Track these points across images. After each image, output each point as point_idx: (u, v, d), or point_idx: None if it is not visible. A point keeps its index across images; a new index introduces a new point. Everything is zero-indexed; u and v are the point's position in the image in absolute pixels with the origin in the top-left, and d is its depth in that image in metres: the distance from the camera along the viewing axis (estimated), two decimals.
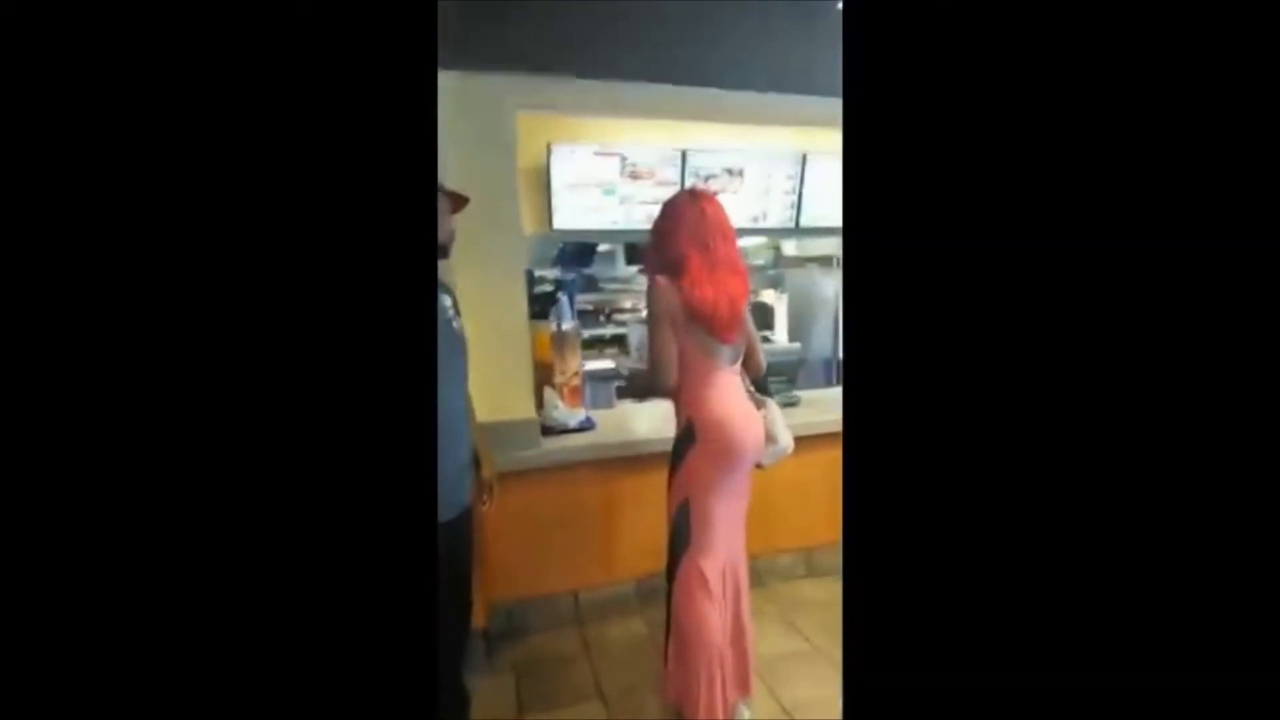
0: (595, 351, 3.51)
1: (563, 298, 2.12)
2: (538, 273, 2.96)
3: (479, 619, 1.75)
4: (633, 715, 1.65)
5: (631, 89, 1.94)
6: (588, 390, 2.78)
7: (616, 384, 3.14)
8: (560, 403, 2.05)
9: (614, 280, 3.85)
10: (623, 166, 2.58)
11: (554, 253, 3.54)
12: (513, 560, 1.92)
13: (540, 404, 2.02)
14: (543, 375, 2.03)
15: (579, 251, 3.57)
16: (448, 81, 1.72)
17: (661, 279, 1.40)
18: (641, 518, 2.03)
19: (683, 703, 1.46)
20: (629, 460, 1.99)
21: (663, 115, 2.36)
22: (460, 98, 1.74)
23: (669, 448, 1.51)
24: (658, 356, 1.40)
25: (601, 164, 2.55)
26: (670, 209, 1.47)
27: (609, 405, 3.04)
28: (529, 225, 2.57)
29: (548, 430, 2.00)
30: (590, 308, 3.71)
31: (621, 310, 3.85)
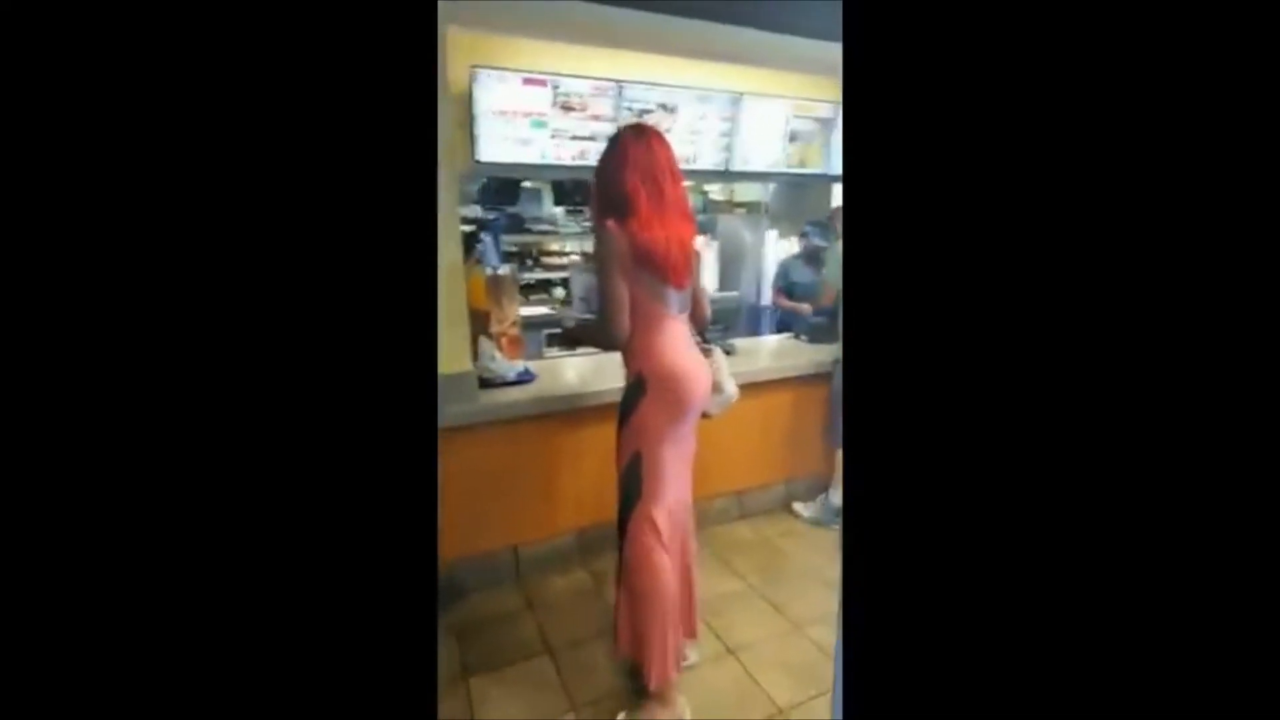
0: (522, 298, 3.35)
1: (486, 238, 1.97)
2: (460, 212, 2.73)
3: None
4: (582, 667, 1.66)
5: (567, 8, 1.76)
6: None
7: (547, 332, 3.02)
8: (498, 354, 1.92)
9: (540, 220, 3.66)
10: (554, 97, 2.38)
11: (475, 188, 3.29)
12: (448, 519, 1.83)
13: (475, 355, 1.88)
14: (478, 324, 1.88)
15: (503, 188, 3.34)
16: None
17: (611, 223, 1.31)
18: (582, 470, 1.99)
19: (637, 652, 1.47)
20: (569, 413, 1.92)
21: (599, 41, 2.18)
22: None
23: (609, 399, 1.46)
24: (610, 305, 1.32)
25: (531, 93, 2.34)
26: (616, 145, 1.37)
27: (539, 355, 2.93)
28: (451, 158, 2.35)
29: (485, 383, 1.88)
30: (516, 250, 3.51)
31: (549, 253, 3.68)
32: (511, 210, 3.45)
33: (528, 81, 2.31)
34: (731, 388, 1.51)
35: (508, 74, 2.27)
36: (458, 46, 2.15)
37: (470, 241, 1.90)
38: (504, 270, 1.88)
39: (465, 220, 2.52)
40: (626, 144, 1.35)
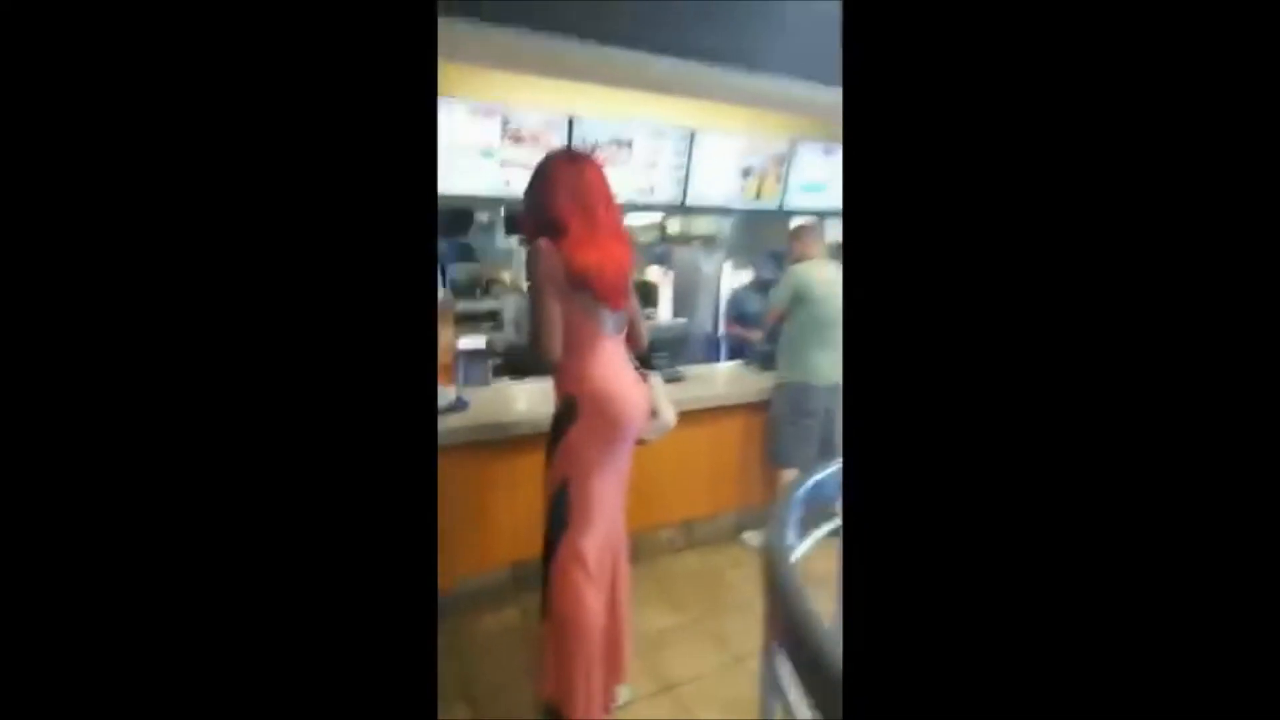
0: (471, 326, 3.29)
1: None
2: None
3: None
4: (501, 715, 1.56)
5: (513, 37, 1.79)
6: (461, 368, 2.60)
7: (492, 361, 2.97)
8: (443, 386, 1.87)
9: (493, 251, 3.65)
10: (504, 129, 2.39)
11: None
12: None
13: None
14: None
15: (454, 218, 3.33)
16: None
17: (544, 241, 1.28)
18: (517, 501, 1.93)
19: (558, 694, 1.39)
20: (503, 442, 1.87)
21: (548, 72, 2.21)
22: None
23: (544, 428, 1.42)
24: (541, 324, 1.29)
25: (480, 124, 2.34)
26: (546, 170, 1.35)
27: (484, 383, 2.87)
28: None
29: (446, 409, 1.82)
30: (465, 280, 3.48)
31: (501, 284, 3.66)
32: (463, 241, 3.44)
33: (477, 112, 2.33)
34: (669, 414, 1.47)
35: (455, 102, 2.27)
36: None
37: None
38: (438, 297, 1.84)
39: None
40: (557, 168, 1.34)
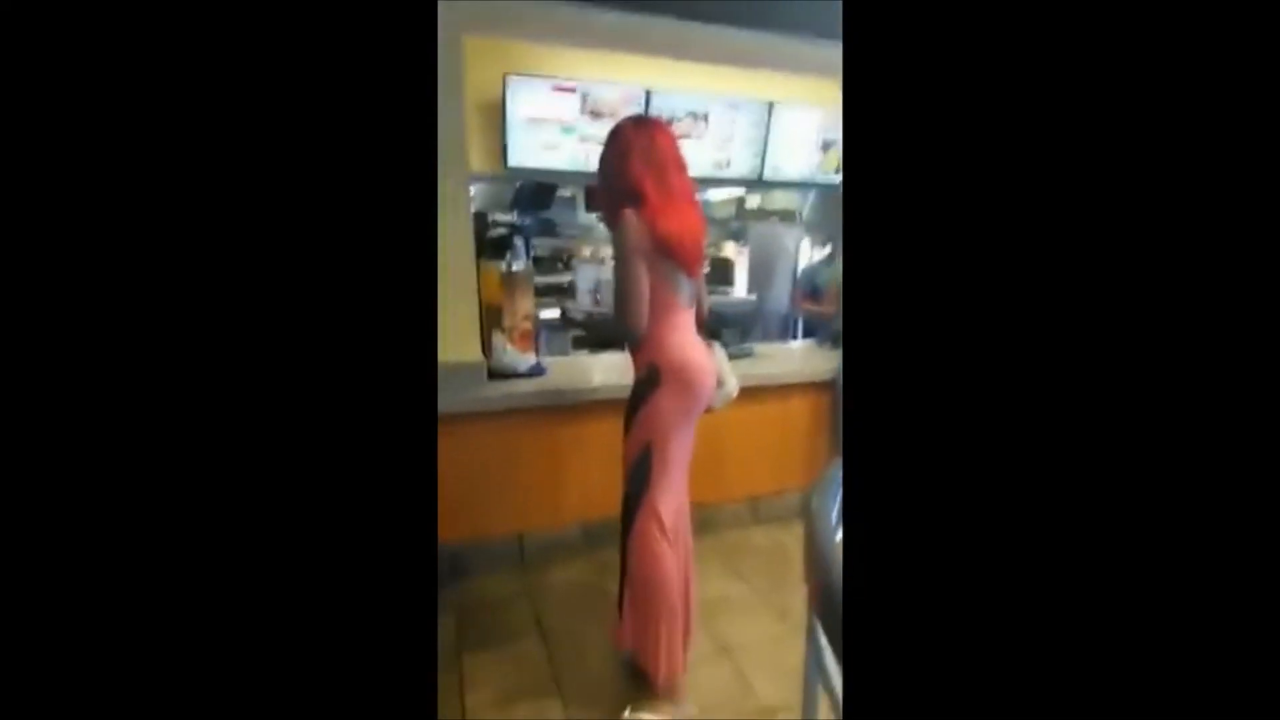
0: (552, 299, 3.43)
1: (517, 241, 2.04)
2: (493, 216, 2.83)
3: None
4: (575, 653, 1.68)
5: (594, 15, 1.83)
6: (543, 337, 2.72)
7: (574, 333, 3.09)
8: (509, 346, 1.99)
9: (574, 226, 3.75)
10: (583, 104, 2.46)
11: (510, 195, 3.41)
12: (455, 503, 1.90)
13: (488, 347, 1.96)
14: (492, 318, 1.96)
15: (536, 193, 3.44)
16: None
17: (629, 211, 1.31)
18: (590, 464, 2.03)
19: (641, 647, 1.46)
20: (577, 407, 1.97)
21: (626, 47, 2.24)
22: None
23: (617, 395, 1.48)
24: (629, 294, 1.31)
25: (560, 100, 2.42)
26: (617, 136, 1.37)
27: (564, 353, 2.99)
28: (482, 163, 2.45)
29: (495, 374, 1.95)
30: (548, 254, 3.61)
31: (580, 257, 3.77)
32: (545, 215, 3.55)
33: (557, 89, 2.40)
34: (733, 383, 1.50)
35: (538, 81, 2.36)
36: (489, 54, 2.26)
37: (502, 245, 1.98)
38: (518, 267, 1.95)
39: (499, 224, 2.62)
40: (628, 135, 1.35)
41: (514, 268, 1.94)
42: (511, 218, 3.17)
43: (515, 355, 1.97)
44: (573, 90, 2.42)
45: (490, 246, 1.97)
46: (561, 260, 3.71)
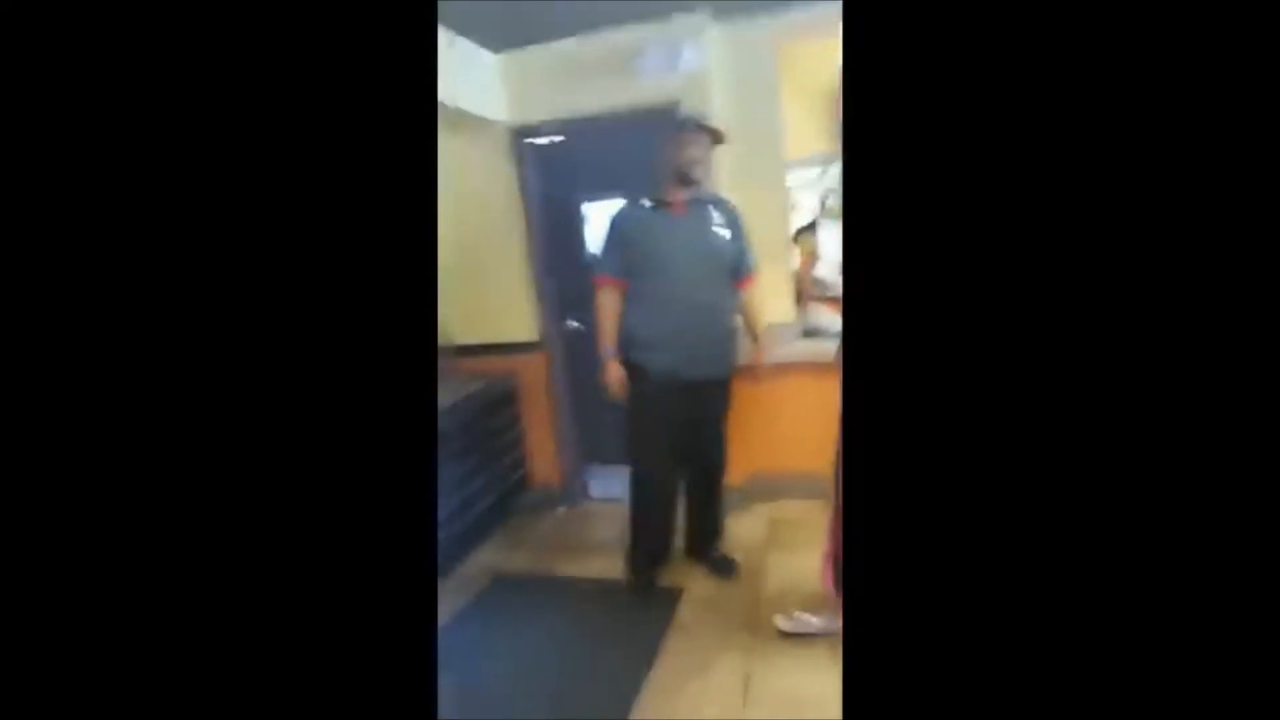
0: None
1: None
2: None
3: (736, 477, 2.18)
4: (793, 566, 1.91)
5: None
6: None
7: None
8: (826, 310, 2.27)
9: None
10: None
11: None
12: (774, 439, 2.28)
13: (803, 309, 2.29)
14: (804, 286, 2.28)
15: None
16: (709, 27, 2.07)
17: None
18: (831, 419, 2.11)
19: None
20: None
21: None
22: (721, 41, 2.09)
23: None
24: None
25: None
26: None
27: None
28: (826, 146, 2.72)
29: (810, 333, 2.26)
30: None
31: None
32: None
33: None
34: None
35: None
36: (823, 48, 2.51)
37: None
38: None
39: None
40: None
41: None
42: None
43: (825, 317, 2.25)
44: None
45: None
46: None
